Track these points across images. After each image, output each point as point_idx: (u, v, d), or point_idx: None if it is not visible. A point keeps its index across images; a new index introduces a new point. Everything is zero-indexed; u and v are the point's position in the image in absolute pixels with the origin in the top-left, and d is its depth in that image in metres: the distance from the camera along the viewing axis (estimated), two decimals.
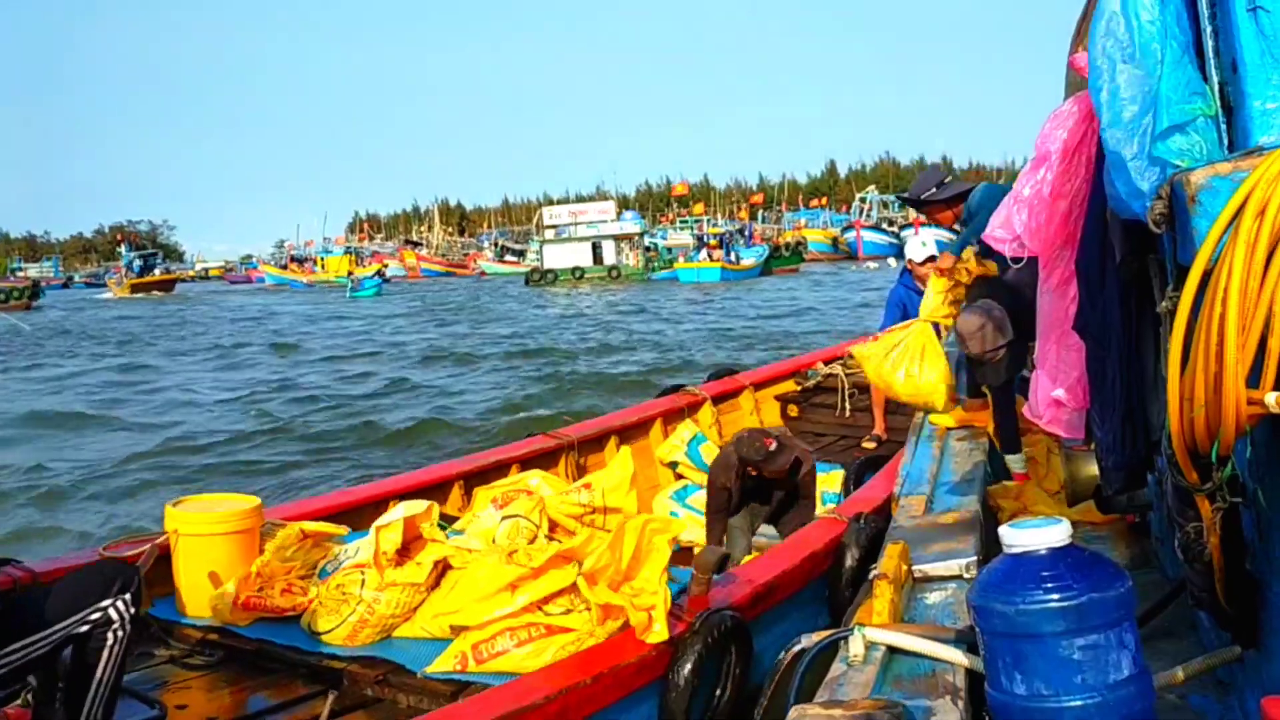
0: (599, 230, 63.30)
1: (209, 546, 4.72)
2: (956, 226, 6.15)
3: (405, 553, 4.50)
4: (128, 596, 3.04)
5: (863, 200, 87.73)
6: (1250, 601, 2.25)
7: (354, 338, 28.95)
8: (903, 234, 72.07)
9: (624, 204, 78.20)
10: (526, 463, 6.67)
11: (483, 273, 79.68)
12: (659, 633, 3.61)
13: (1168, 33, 2.16)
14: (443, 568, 4.48)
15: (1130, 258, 2.62)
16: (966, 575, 3.44)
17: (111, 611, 3.00)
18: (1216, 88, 2.19)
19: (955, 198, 5.99)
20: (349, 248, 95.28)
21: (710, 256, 56.34)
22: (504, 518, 5.33)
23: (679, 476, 7.35)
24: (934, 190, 6.03)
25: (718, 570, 3.95)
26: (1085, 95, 2.76)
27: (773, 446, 5.44)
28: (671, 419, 8.06)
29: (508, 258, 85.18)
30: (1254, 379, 1.88)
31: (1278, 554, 2.12)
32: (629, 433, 7.71)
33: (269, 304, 51.75)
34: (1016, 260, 3.14)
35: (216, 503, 5.03)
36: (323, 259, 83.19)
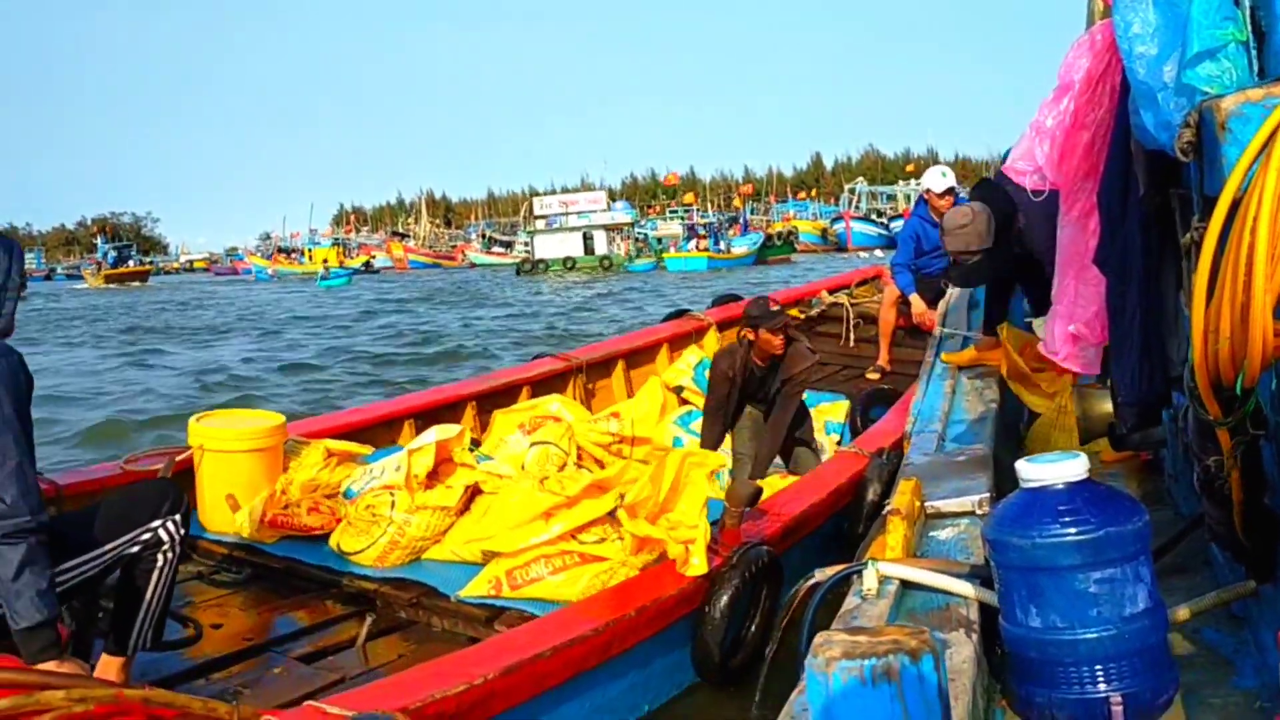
0: (590, 220, 63.08)
1: (234, 462, 4.68)
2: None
3: (434, 476, 4.51)
4: (177, 517, 3.03)
5: (851, 192, 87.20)
6: (1268, 537, 2.25)
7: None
8: (892, 225, 72.05)
9: (612, 195, 77.49)
10: (536, 384, 6.70)
11: (472, 264, 79.26)
12: (697, 566, 3.62)
13: None
14: (473, 492, 4.48)
15: (1153, 191, 2.58)
16: (979, 511, 3.44)
17: (161, 532, 3.00)
18: (1248, 12, 2.13)
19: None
20: (336, 239, 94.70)
21: (698, 246, 56.36)
22: (533, 444, 5.39)
23: (683, 401, 7.34)
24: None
25: (750, 504, 3.95)
26: (1108, 23, 2.70)
27: (776, 306, 5.46)
28: (677, 344, 8.06)
29: (495, 249, 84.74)
30: None
31: None
32: (635, 357, 7.75)
33: (233, 293, 51.19)
34: (1038, 193, 3.09)
35: (240, 419, 5.01)
36: (310, 250, 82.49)
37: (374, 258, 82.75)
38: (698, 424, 6.23)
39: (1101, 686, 2.23)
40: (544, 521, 3.99)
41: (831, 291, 9.24)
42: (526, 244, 72.45)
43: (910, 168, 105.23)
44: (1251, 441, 2.07)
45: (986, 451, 4.12)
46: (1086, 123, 2.79)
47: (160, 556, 3.01)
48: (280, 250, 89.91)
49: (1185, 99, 2.16)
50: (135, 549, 2.97)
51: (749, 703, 3.07)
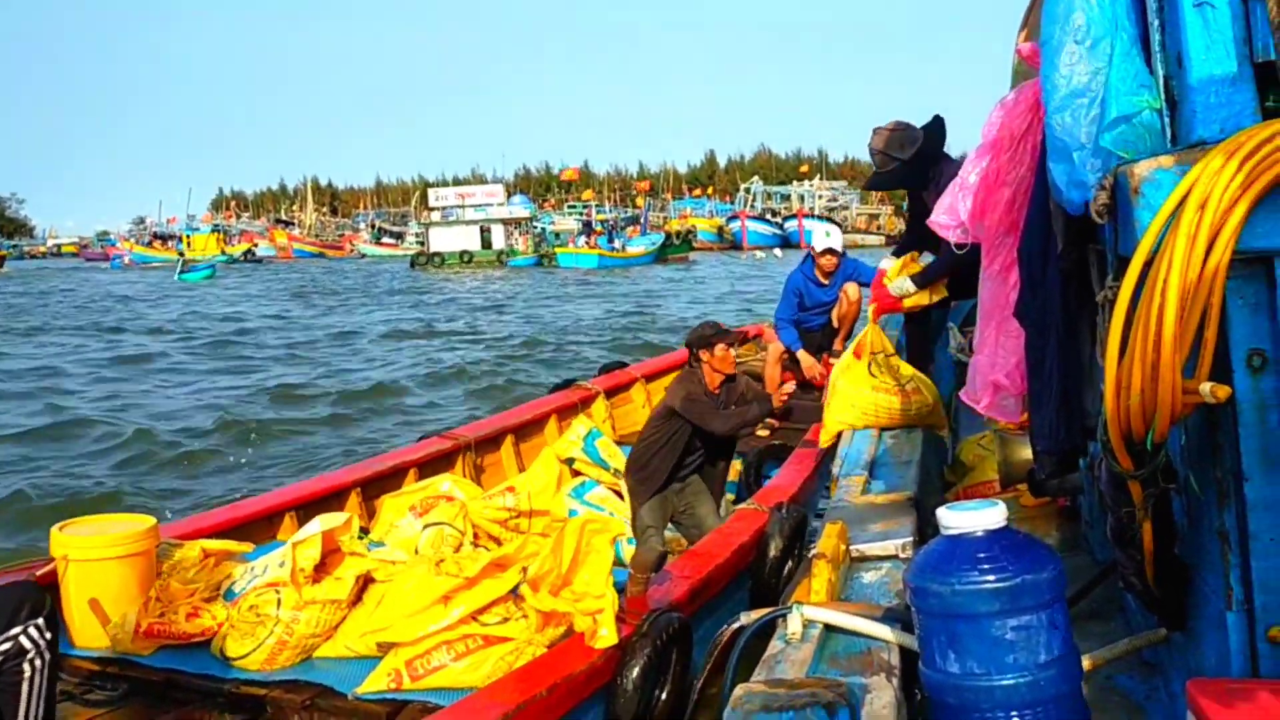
0: (488, 214, 62.12)
1: (102, 571, 4.32)
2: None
3: (321, 568, 4.27)
4: (40, 621, 2.82)
5: (747, 191, 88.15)
6: (1178, 586, 2.31)
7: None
8: (785, 225, 73.17)
9: (507, 189, 76.72)
10: (423, 466, 6.53)
11: (362, 255, 77.52)
12: (607, 638, 3.53)
13: (1118, 24, 2.19)
14: (365, 582, 4.26)
15: (1070, 248, 2.66)
16: (903, 555, 3.48)
17: (24, 639, 2.78)
18: (1162, 81, 2.22)
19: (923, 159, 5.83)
20: (216, 225, 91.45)
21: (589, 243, 56.22)
22: (426, 526, 5.12)
23: (576, 473, 7.23)
24: (895, 165, 5.85)
25: (656, 569, 3.90)
26: (1032, 84, 2.79)
27: (723, 327, 5.53)
28: (565, 414, 7.97)
29: (385, 240, 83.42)
30: (1189, 369, 1.93)
31: (1206, 540, 2.17)
32: (524, 430, 7.63)
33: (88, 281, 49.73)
34: (961, 247, 3.17)
35: (107, 524, 4.60)
36: (188, 237, 79.11)
37: (256, 246, 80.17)
38: (593, 495, 6.15)
39: None
40: (443, 606, 3.84)
41: None
42: (419, 235, 70.85)
43: (804, 168, 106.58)
44: (1162, 493, 2.13)
45: (911, 495, 4.18)
46: (1008, 180, 2.88)
47: (26, 666, 2.80)
48: (156, 236, 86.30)
49: (1101, 161, 2.24)
50: None
51: None
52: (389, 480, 6.27)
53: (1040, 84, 2.41)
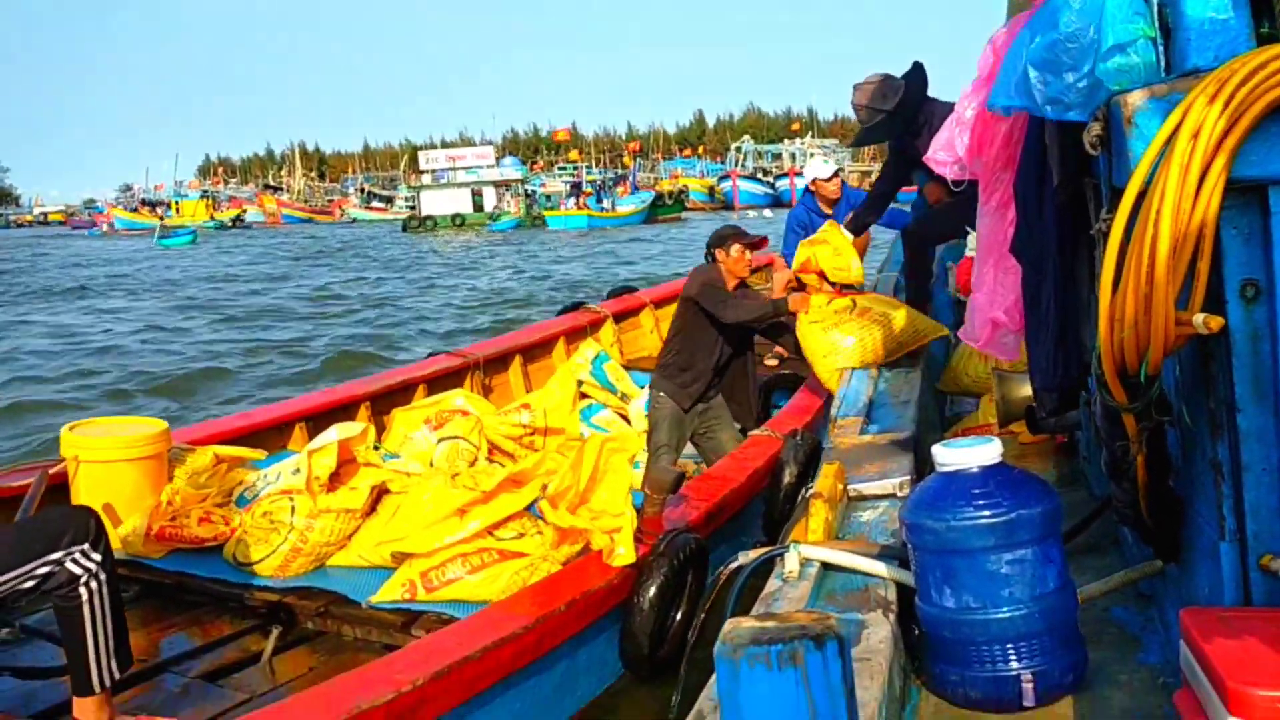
0: (479, 176, 62.05)
1: (113, 473, 4.33)
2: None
3: (336, 477, 4.27)
4: (85, 547, 2.78)
5: (738, 150, 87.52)
6: (1173, 518, 2.32)
7: None
8: (777, 184, 72.60)
9: (497, 151, 75.88)
10: (432, 382, 6.57)
11: (352, 219, 76.91)
12: (624, 556, 3.54)
13: None
14: (379, 492, 4.27)
15: (1067, 181, 2.64)
16: (900, 494, 3.50)
17: (71, 566, 2.74)
18: (1156, 9, 2.18)
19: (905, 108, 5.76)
20: (205, 191, 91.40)
21: (578, 204, 55.93)
22: (441, 439, 5.17)
23: (583, 396, 7.32)
24: (882, 116, 5.79)
25: (673, 490, 3.87)
26: (1026, 15, 2.75)
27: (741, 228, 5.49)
28: (574, 337, 7.98)
29: (375, 204, 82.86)
30: (1183, 301, 1.92)
31: (1200, 472, 2.17)
32: (532, 351, 7.66)
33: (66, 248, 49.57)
34: (958, 184, 3.14)
35: (119, 426, 4.63)
36: (176, 203, 79.41)
37: (244, 211, 79.78)
38: (599, 418, 6.18)
39: (1013, 665, 2.30)
40: (459, 519, 3.83)
41: None
42: (408, 199, 70.60)
43: (795, 126, 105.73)
44: (1156, 427, 2.13)
45: (909, 435, 4.19)
46: (1006, 114, 2.84)
47: (82, 591, 2.77)
48: (144, 203, 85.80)
49: (1088, 86, 2.21)
50: (29, 584, 2.74)
51: (670, 694, 3.04)
52: (399, 395, 6.33)
53: (1042, 9, 2.37)
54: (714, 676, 2.47)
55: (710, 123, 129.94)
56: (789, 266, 7.90)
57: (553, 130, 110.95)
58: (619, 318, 8.48)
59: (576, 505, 3.67)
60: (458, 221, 58.70)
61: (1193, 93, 1.87)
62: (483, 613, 3.35)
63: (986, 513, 2.28)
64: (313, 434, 5.50)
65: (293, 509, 4.07)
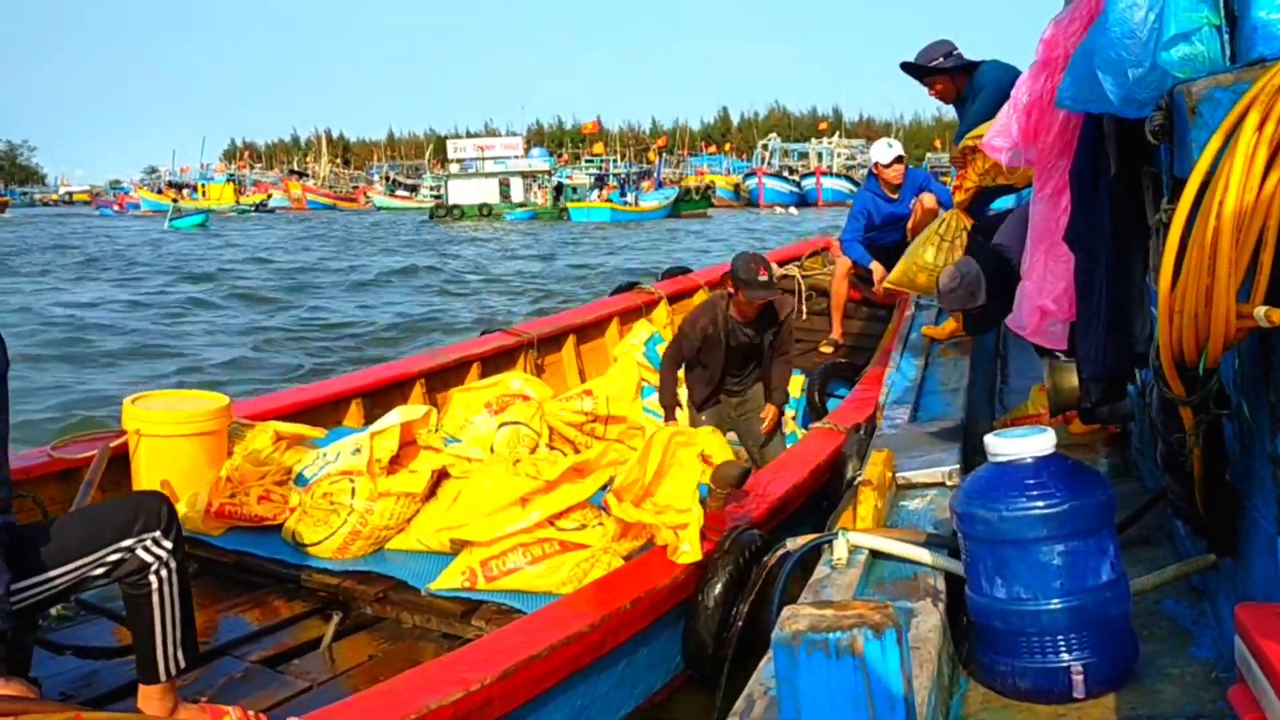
0: (507, 166, 62.03)
1: (174, 448, 4.32)
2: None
3: (396, 460, 4.24)
4: (157, 534, 2.76)
5: (764, 148, 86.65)
6: (1228, 512, 2.29)
7: None
8: (803, 183, 71.86)
9: (527, 143, 75.79)
10: (486, 361, 6.57)
11: (376, 207, 76.85)
12: (690, 553, 3.47)
13: None
14: (438, 476, 4.24)
15: (1123, 169, 2.61)
16: (949, 482, 3.49)
17: (141, 552, 2.73)
18: None
19: (960, 69, 5.84)
20: (231, 175, 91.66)
21: (601, 197, 55.85)
22: (501, 424, 5.10)
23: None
24: (940, 60, 5.87)
25: (738, 485, 3.79)
26: (1086, 1, 2.72)
27: (764, 276, 5.24)
28: (628, 318, 7.94)
29: (399, 192, 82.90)
30: (1244, 293, 1.90)
31: (1258, 466, 2.15)
32: (586, 331, 7.61)
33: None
34: (1012, 169, 3.11)
35: (180, 399, 4.62)
36: (203, 186, 79.73)
37: (270, 196, 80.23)
38: (651, 400, 6.17)
39: (1064, 656, 2.29)
40: (520, 508, 3.78)
41: (781, 263, 9.15)
42: (433, 188, 70.69)
43: (823, 125, 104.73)
44: (1214, 420, 2.11)
45: (958, 423, 4.17)
46: None
47: (152, 579, 2.75)
48: (171, 185, 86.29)
49: (1156, 78, 2.18)
50: (99, 571, 2.72)
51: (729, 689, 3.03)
52: (452, 373, 6.32)
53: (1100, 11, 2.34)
54: (767, 656, 2.50)
55: (735, 120, 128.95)
56: (846, 254, 7.86)
57: (578, 124, 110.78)
58: (673, 299, 8.40)
59: (641, 499, 3.61)
60: (484, 211, 58.72)
61: (1259, 82, 1.84)
62: (547, 609, 3.29)
63: (1040, 503, 2.27)
64: (368, 410, 5.62)
65: (353, 491, 4.06)
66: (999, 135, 3.01)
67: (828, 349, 7.87)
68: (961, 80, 5.84)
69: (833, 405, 6.26)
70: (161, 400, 4.56)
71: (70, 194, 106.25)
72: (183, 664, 2.85)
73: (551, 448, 5.32)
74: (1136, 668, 2.38)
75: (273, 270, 24.88)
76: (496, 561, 3.68)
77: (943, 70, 5.87)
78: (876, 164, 7.63)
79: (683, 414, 5.88)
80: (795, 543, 3.08)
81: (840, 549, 2.87)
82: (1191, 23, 2.13)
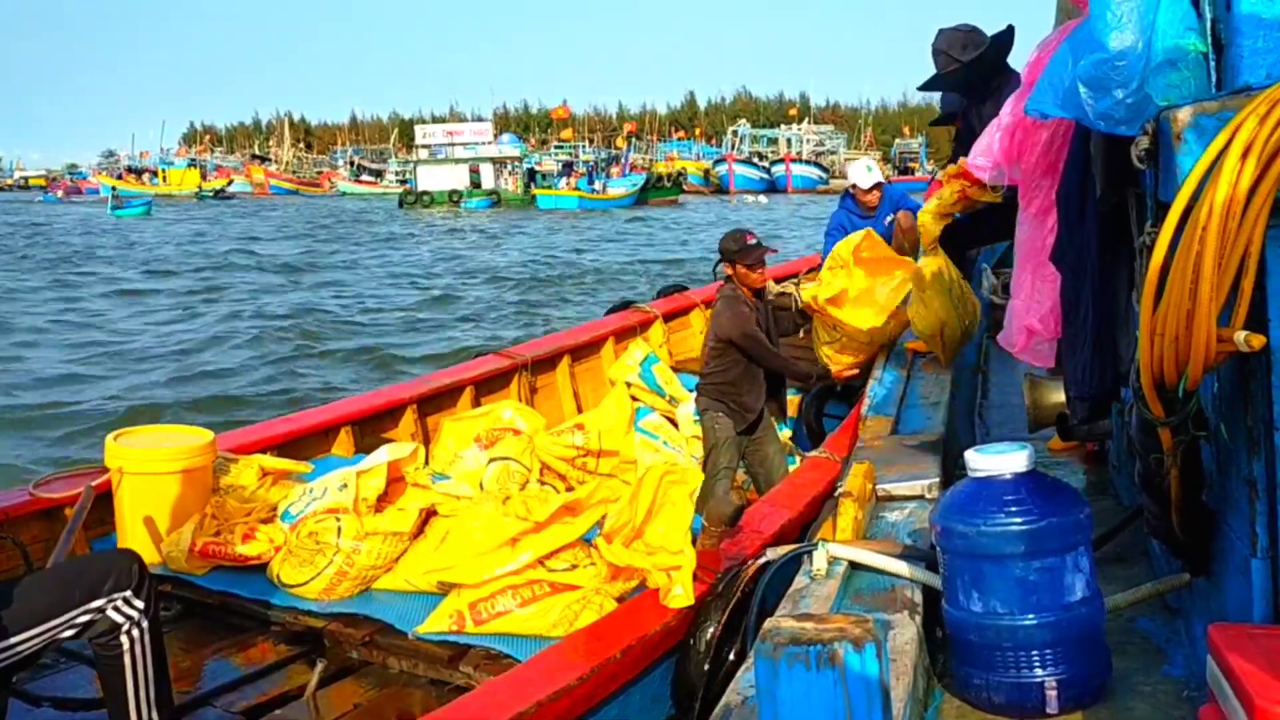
0: (477, 152, 61.12)
1: (158, 485, 4.20)
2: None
3: (384, 497, 4.15)
4: (127, 594, 2.67)
5: (734, 134, 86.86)
6: (1204, 532, 2.33)
7: None
8: (773, 169, 71.69)
9: (496, 127, 74.83)
10: (479, 384, 6.46)
11: (341, 192, 75.66)
12: (682, 598, 3.36)
13: None
14: (426, 515, 4.15)
15: (1109, 191, 2.64)
16: (928, 495, 3.51)
17: (112, 614, 2.64)
18: (1209, 24, 2.18)
19: (985, 65, 5.43)
20: (192, 159, 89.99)
21: (569, 184, 55.54)
22: (491, 460, 4.98)
23: (631, 399, 6.98)
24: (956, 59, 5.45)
25: (731, 524, 3.70)
26: (1074, 23, 2.75)
27: (753, 240, 5.19)
28: (623, 337, 7.81)
29: (364, 177, 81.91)
30: (1224, 318, 1.92)
31: (1234, 487, 2.18)
32: (580, 352, 7.48)
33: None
34: (996, 189, 3.15)
35: (164, 435, 4.48)
36: (163, 171, 78.33)
37: (230, 181, 78.47)
38: (647, 421, 5.99)
39: (1038, 671, 2.32)
40: (510, 549, 3.68)
41: (778, 280, 9.12)
42: (399, 174, 69.71)
43: (793, 110, 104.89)
44: (1192, 441, 2.14)
45: (938, 437, 4.19)
46: (1047, 121, 2.84)
47: (124, 639, 2.67)
48: (130, 170, 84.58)
49: (1139, 101, 2.21)
50: (69, 633, 2.62)
51: None
52: (445, 397, 6.22)
53: (1086, 22, 2.37)
54: (745, 664, 2.51)
55: (702, 105, 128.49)
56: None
57: (544, 108, 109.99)
58: (668, 318, 8.29)
59: (632, 539, 3.53)
60: (455, 198, 57.80)
61: (1244, 110, 1.87)
62: (537, 659, 3.20)
63: (1018, 520, 2.30)
64: (358, 439, 5.49)
65: (339, 530, 3.96)
66: (982, 154, 3.05)
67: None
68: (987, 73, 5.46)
69: (829, 425, 6.19)
70: (145, 436, 4.44)
71: (25, 179, 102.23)
72: None
73: (542, 483, 5.18)
74: (1110, 684, 2.40)
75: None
76: (485, 604, 3.59)
77: (961, 74, 5.51)
78: (855, 186, 7.55)
79: (678, 436, 5.82)
80: (775, 553, 3.10)
81: (820, 560, 2.88)
82: (1179, 50, 2.16)
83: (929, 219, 5.06)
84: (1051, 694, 2.31)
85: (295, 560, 3.98)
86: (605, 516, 3.67)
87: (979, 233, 5.77)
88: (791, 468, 5.24)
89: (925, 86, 5.67)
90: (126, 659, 2.68)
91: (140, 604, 2.70)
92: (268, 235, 36.35)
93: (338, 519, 3.98)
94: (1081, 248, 2.75)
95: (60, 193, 73.15)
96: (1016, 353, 3.31)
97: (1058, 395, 3.86)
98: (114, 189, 60.51)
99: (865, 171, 7.52)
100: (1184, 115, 2.02)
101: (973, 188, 4.93)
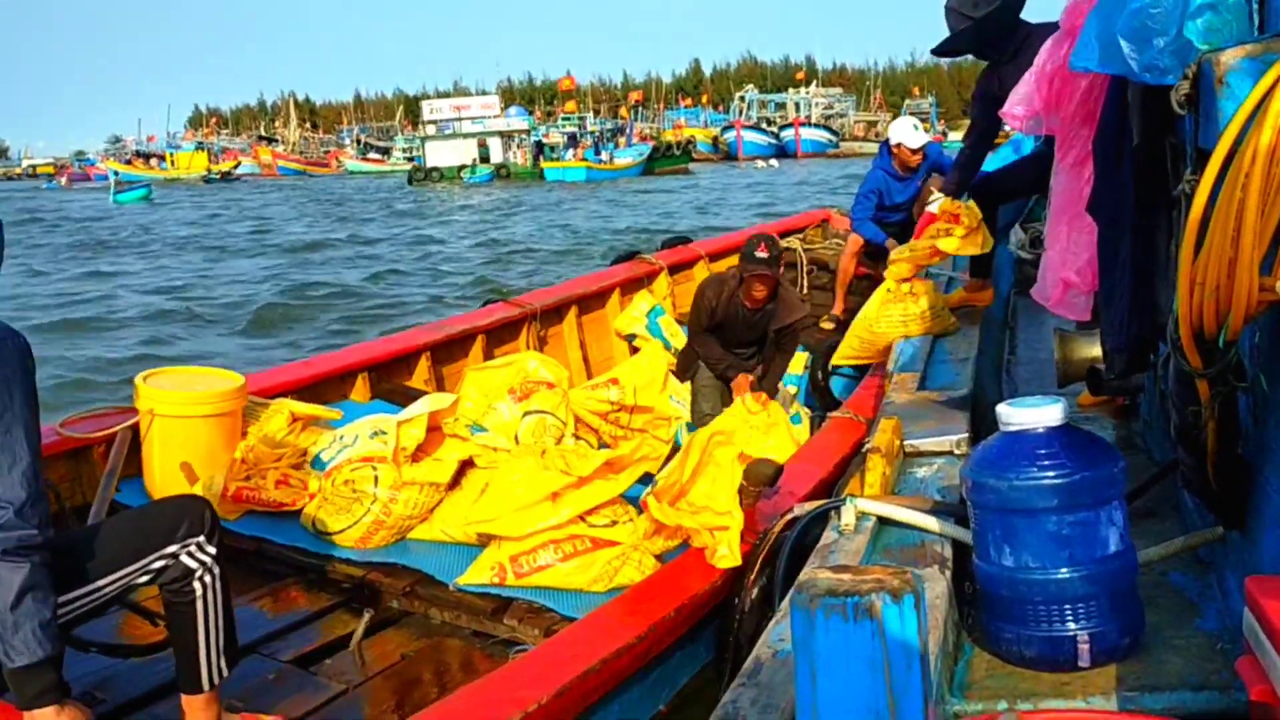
0: (485, 126, 60.67)
1: (190, 429, 4.16)
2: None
3: (419, 447, 4.10)
4: (201, 539, 2.64)
5: (741, 99, 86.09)
6: (1240, 485, 2.30)
7: None
8: (781, 134, 71.35)
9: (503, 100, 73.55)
10: (490, 333, 6.49)
11: (348, 171, 75.10)
12: (729, 558, 3.33)
13: None
14: (461, 466, 4.12)
15: (1147, 140, 2.59)
16: (956, 451, 3.50)
17: (186, 559, 2.62)
18: None
19: (996, 25, 5.20)
20: (200, 143, 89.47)
21: (576, 156, 55.27)
22: (526, 413, 4.96)
23: (635, 350, 7.11)
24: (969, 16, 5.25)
25: (771, 483, 3.62)
26: None
27: (762, 253, 5.23)
28: (629, 289, 7.82)
29: (371, 155, 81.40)
30: (1266, 266, 1.88)
31: (1272, 439, 2.15)
32: (587, 302, 7.49)
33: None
34: (1035, 137, 3.09)
35: (193, 377, 4.43)
36: (171, 155, 77.83)
37: (238, 164, 77.93)
38: (603, 375, 6.12)
39: (1070, 625, 2.30)
40: (552, 504, 3.67)
41: (783, 235, 9.02)
42: (406, 150, 69.75)
43: (800, 75, 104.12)
44: (1230, 393, 2.11)
45: (966, 392, 4.17)
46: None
47: (196, 585, 2.64)
48: (138, 154, 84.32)
49: (1180, 47, 2.16)
50: (145, 579, 2.60)
51: None
52: (457, 345, 6.25)
53: None
54: (775, 618, 2.51)
55: (707, 71, 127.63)
56: (859, 232, 7.77)
57: (548, 79, 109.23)
58: (673, 269, 8.28)
59: (677, 499, 3.49)
60: (463, 173, 57.47)
61: None
62: (591, 618, 3.17)
63: (1050, 474, 2.28)
64: (374, 384, 5.51)
65: (376, 479, 3.93)
66: (1020, 103, 2.98)
67: (829, 325, 7.74)
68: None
69: (836, 384, 6.24)
70: (174, 378, 4.39)
71: (34, 167, 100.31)
72: (225, 672, 2.75)
73: (577, 437, 5.15)
74: (1142, 638, 2.39)
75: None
76: (527, 557, 3.61)
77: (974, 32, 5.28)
78: (901, 144, 7.40)
79: (682, 389, 5.88)
80: (803, 508, 3.10)
81: (848, 515, 2.88)
82: None
83: (903, 265, 5.34)
84: (1084, 648, 2.29)
85: (331, 508, 3.96)
86: (647, 474, 3.66)
87: (1012, 186, 5.70)
88: (797, 427, 5.24)
89: (940, 49, 5.51)
90: (199, 605, 2.66)
91: (213, 550, 2.68)
92: (291, 216, 36.14)
93: (374, 467, 3.96)
94: (1119, 197, 2.70)
95: (64, 180, 72.33)
96: (1051, 306, 3.27)
97: (1088, 350, 3.82)
98: (115, 174, 59.04)
99: (912, 130, 7.37)
100: (1226, 59, 1.96)
101: (946, 239, 5.07)
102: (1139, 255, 2.68)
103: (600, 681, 2.89)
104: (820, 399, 6.22)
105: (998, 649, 2.43)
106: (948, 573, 2.59)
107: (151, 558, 2.59)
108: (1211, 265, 1.88)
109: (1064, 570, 2.29)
